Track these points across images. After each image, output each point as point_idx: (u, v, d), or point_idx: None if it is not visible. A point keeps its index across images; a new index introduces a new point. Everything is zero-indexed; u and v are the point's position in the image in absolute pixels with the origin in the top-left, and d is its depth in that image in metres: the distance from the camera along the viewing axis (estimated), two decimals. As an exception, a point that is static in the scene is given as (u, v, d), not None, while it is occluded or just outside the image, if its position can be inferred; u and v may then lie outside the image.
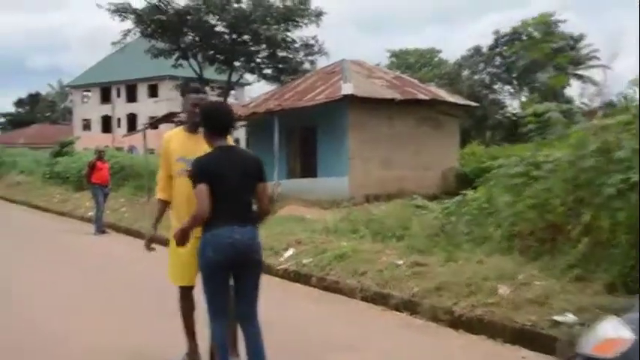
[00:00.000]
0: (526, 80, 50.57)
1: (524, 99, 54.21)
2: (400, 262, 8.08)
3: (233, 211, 4.26)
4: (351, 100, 19.55)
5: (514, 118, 53.75)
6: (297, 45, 33.68)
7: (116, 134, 60.17)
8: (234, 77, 35.52)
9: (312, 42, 33.69)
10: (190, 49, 33.98)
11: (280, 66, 34.11)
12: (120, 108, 64.43)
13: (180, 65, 34.92)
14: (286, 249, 9.84)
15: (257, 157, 4.63)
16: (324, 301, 7.79)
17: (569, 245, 6.89)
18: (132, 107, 62.96)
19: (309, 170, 20.97)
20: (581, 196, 7.03)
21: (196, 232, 4.39)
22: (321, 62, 34.04)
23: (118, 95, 65.07)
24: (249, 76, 38.00)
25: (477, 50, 54.59)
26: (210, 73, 35.78)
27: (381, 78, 22.85)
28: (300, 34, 33.61)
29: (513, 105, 56.05)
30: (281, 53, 33.73)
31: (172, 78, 48.41)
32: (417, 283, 7.26)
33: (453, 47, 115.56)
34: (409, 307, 6.95)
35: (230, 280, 4.37)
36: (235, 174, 4.30)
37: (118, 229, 15.32)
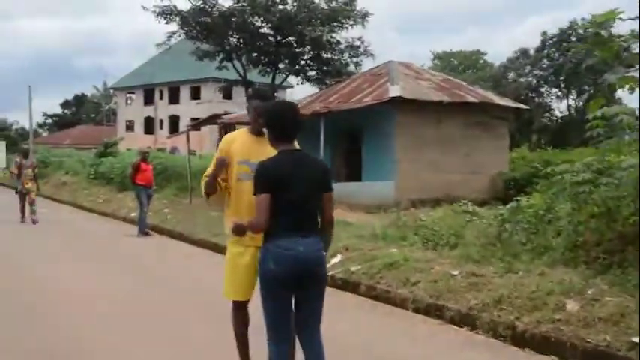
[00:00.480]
0: (574, 83, 49.40)
1: (571, 102, 53.08)
2: (455, 272, 7.71)
3: (297, 221, 3.91)
4: (398, 102, 19.13)
5: (561, 121, 52.69)
6: (342, 46, 33.25)
7: (158, 135, 60.83)
8: (278, 79, 35.27)
9: (357, 43, 33.23)
10: (235, 51, 33.84)
11: (325, 68, 33.70)
12: (162, 110, 65.08)
13: (225, 67, 34.86)
14: (333, 255, 9.49)
15: (324, 163, 4.26)
16: (375, 312, 7.44)
17: (643, 258, 6.41)
18: (174, 109, 63.53)
19: (354, 174, 20.60)
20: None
21: (257, 241, 4.08)
22: (367, 64, 33.74)
23: (161, 97, 65.71)
24: (292, 79, 37.78)
25: (523, 52, 53.61)
26: (253, 75, 35.66)
27: (429, 80, 22.33)
28: (346, 35, 33.27)
29: (560, 108, 54.98)
30: (326, 55, 33.30)
31: (215, 80, 48.56)
32: (474, 295, 6.89)
33: (497, 49, 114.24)
34: (467, 320, 6.57)
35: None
36: (301, 181, 3.93)
37: (161, 231, 15.20)
